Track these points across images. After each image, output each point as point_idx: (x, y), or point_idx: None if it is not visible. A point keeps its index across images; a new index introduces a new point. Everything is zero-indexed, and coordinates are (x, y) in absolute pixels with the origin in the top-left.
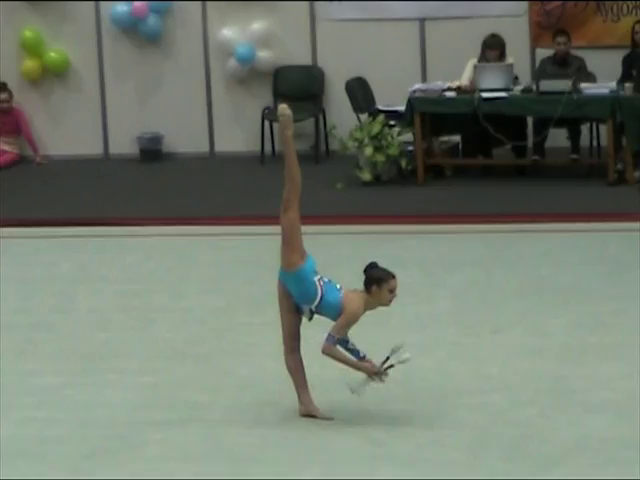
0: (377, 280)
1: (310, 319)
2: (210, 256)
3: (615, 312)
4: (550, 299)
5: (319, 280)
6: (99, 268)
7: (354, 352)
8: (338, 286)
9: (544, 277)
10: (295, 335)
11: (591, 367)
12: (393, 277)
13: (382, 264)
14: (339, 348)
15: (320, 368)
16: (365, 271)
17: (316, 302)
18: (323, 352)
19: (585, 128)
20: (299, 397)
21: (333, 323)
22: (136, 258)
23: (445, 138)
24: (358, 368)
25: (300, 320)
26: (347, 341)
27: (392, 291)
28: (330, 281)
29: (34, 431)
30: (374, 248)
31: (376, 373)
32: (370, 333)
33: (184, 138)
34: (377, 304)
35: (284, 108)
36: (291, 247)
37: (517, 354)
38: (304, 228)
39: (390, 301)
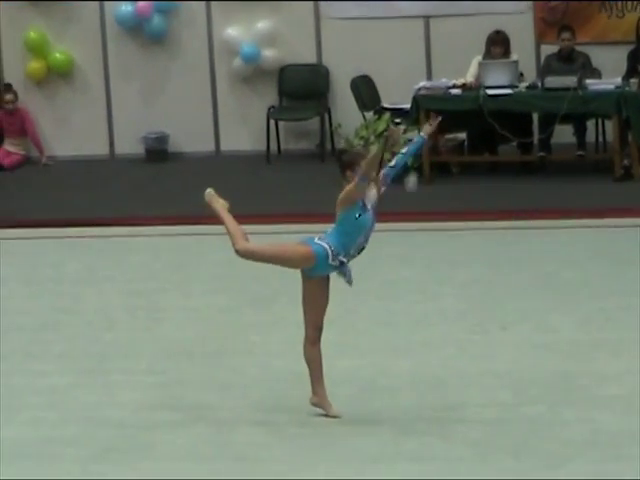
0: (349, 164)
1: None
2: (216, 255)
3: (622, 308)
4: (557, 295)
5: (320, 242)
6: (106, 268)
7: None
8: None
9: (551, 273)
10: (319, 327)
11: (599, 363)
12: (363, 157)
13: (388, 261)
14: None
15: (328, 367)
16: (337, 159)
17: (331, 252)
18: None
19: (591, 124)
20: (313, 388)
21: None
22: (142, 258)
23: (451, 135)
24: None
25: (324, 312)
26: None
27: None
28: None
29: (43, 432)
30: (380, 245)
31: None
32: (377, 331)
33: (190, 137)
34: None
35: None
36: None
37: (525, 350)
38: (310, 226)
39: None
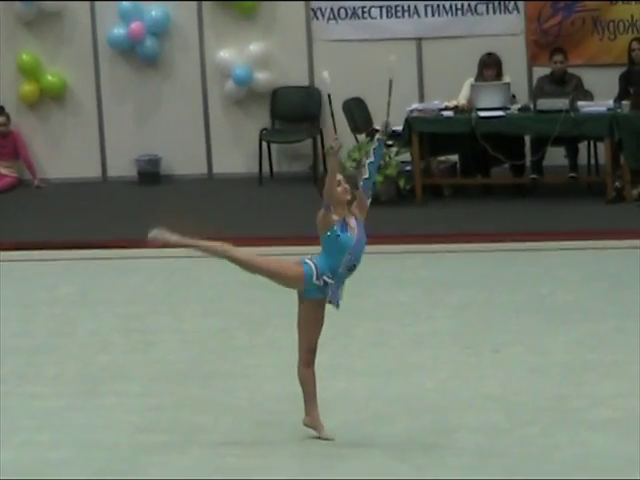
0: (322, 184)
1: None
2: (210, 277)
3: (615, 330)
4: (550, 317)
5: (308, 261)
6: (99, 291)
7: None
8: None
9: (544, 295)
10: (313, 349)
11: (592, 385)
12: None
13: (382, 283)
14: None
15: (322, 388)
16: (315, 185)
17: (316, 271)
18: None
19: (583, 146)
20: (306, 409)
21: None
22: (136, 280)
23: (443, 158)
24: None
25: (319, 335)
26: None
27: (339, 184)
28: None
29: (36, 454)
30: (373, 268)
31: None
32: (370, 353)
33: (182, 160)
34: (336, 204)
35: None
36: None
37: (518, 373)
38: (302, 249)
39: (345, 194)
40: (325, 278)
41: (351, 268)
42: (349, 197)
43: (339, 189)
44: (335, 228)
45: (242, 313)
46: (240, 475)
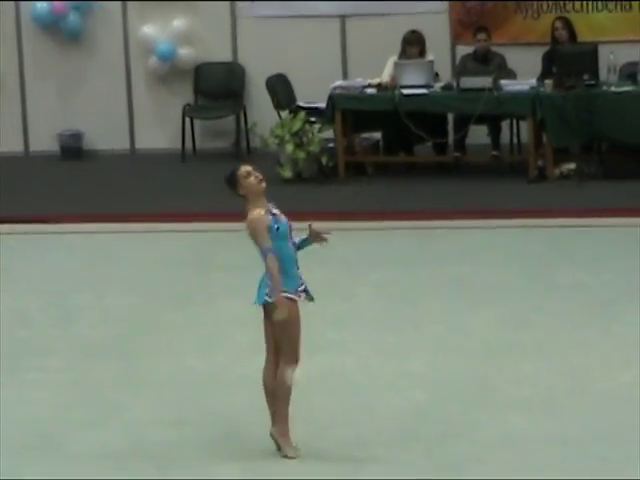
0: (234, 181)
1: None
2: (132, 254)
3: (536, 309)
4: (472, 297)
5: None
6: (20, 266)
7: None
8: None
9: (466, 274)
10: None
11: (512, 365)
12: (238, 169)
13: (302, 261)
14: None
15: (243, 367)
16: (225, 183)
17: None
18: (267, 268)
19: (506, 125)
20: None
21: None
22: (58, 256)
23: (366, 135)
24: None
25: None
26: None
27: (250, 175)
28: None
29: None
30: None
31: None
32: None
33: (105, 135)
34: (255, 196)
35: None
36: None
37: (439, 352)
38: (224, 225)
39: (260, 183)
40: (300, 288)
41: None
42: (264, 184)
43: (252, 180)
44: (271, 224)
45: (164, 290)
46: (159, 451)
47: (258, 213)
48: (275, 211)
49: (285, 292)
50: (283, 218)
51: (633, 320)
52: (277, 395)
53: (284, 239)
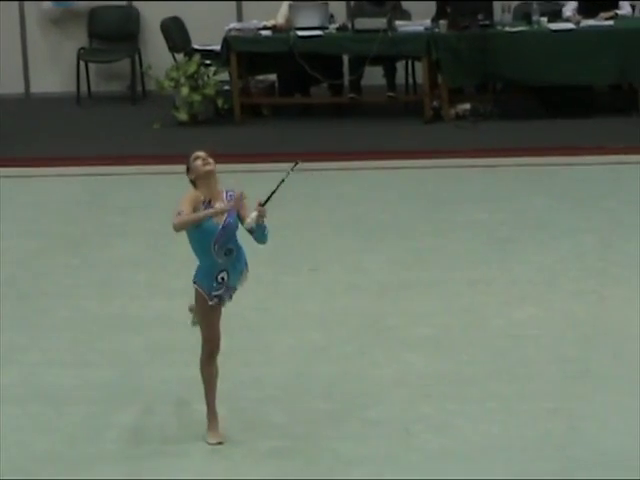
0: (187, 168)
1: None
2: (26, 197)
3: (432, 248)
4: (368, 236)
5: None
6: None
7: None
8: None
9: (362, 214)
10: (219, 346)
11: (408, 303)
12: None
13: None
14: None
15: (140, 308)
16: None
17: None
18: (174, 228)
19: (401, 66)
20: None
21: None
22: None
23: (261, 77)
24: (213, 214)
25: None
26: None
27: (197, 158)
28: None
29: None
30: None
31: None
32: (184, 271)
33: None
34: (201, 180)
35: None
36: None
37: (335, 292)
38: (123, 168)
39: (204, 165)
40: (214, 293)
41: (227, 253)
42: (211, 167)
43: (198, 162)
44: (199, 206)
45: (59, 233)
46: (58, 393)
47: (194, 192)
48: (223, 203)
49: (202, 289)
50: (222, 220)
51: (529, 258)
52: None
53: (205, 241)
